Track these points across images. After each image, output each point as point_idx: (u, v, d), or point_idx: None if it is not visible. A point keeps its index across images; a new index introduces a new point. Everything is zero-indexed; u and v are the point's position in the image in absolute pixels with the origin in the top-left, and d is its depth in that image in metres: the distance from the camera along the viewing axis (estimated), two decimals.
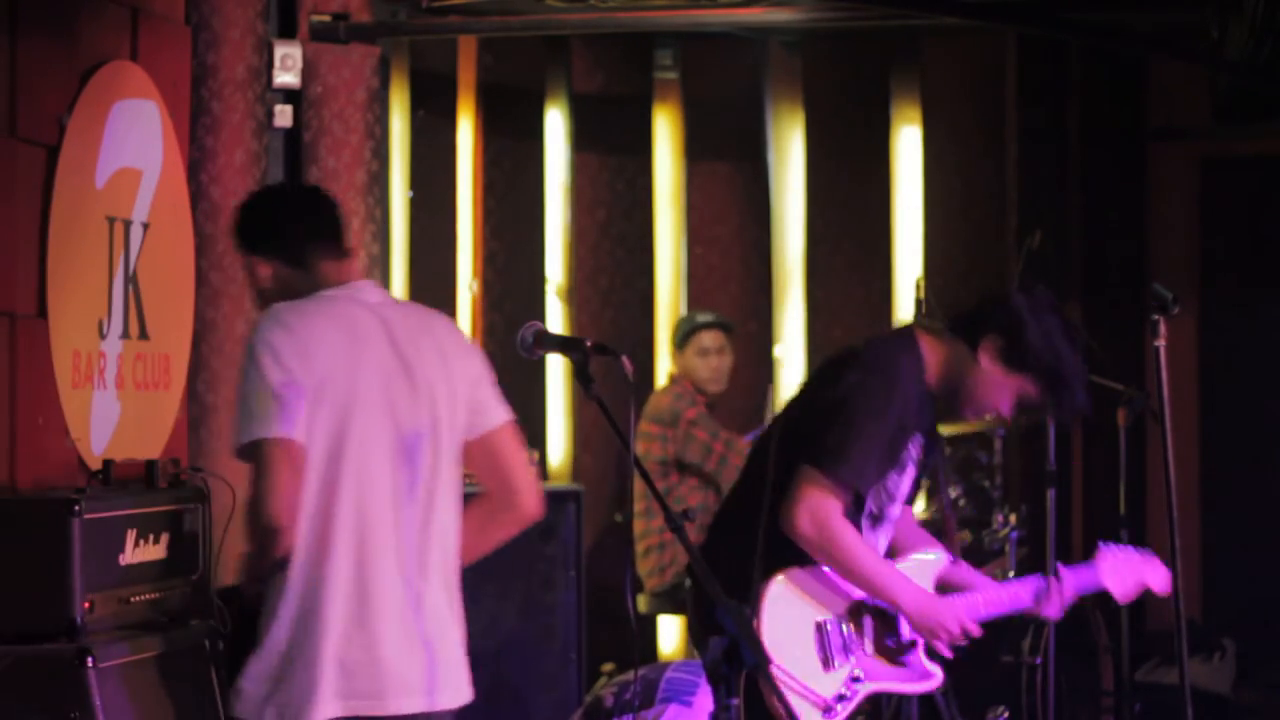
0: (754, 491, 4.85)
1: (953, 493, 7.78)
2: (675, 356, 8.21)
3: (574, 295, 8.60)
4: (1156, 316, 4.39)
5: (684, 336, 8.16)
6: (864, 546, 4.88)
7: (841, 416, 4.81)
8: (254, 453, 4.09)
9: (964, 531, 7.68)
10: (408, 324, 4.32)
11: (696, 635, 5.24)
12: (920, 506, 8.33)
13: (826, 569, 4.91)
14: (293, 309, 4.21)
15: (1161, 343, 4.41)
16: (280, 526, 4.07)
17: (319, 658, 4.11)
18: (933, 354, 4.96)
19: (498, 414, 4.39)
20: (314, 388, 4.11)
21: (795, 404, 5.13)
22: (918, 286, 7.71)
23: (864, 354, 4.94)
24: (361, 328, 4.24)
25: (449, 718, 4.32)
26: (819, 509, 4.77)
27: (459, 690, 4.36)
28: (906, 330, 5.07)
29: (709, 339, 8.13)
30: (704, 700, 5.98)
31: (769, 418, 8.50)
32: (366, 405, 4.17)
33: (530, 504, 4.44)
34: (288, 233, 4.35)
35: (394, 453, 4.20)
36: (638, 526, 8.00)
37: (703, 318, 8.23)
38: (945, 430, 8.18)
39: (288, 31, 7.11)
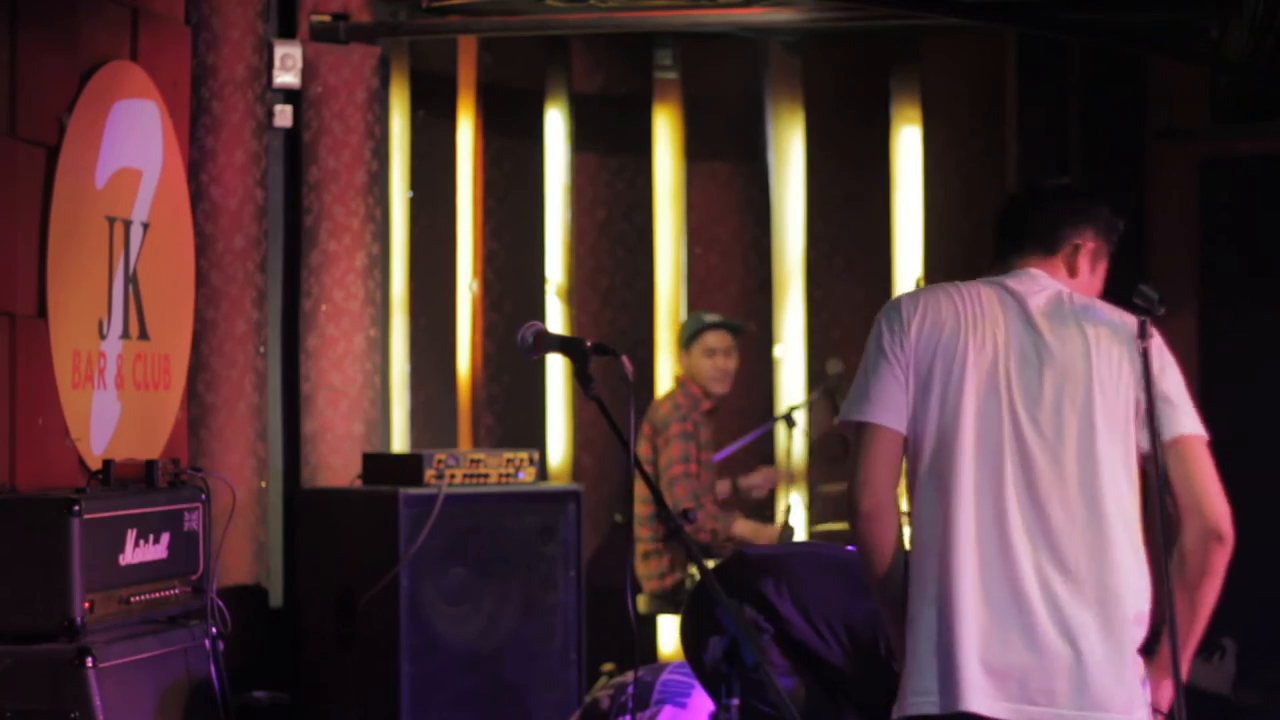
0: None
1: None
2: (680, 356, 8.18)
3: (574, 295, 8.60)
4: (1144, 318, 4.37)
5: (690, 336, 8.12)
6: None
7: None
8: (855, 433, 4.01)
9: None
10: (1057, 311, 4.22)
11: (693, 635, 5.23)
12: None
13: None
14: (923, 290, 4.18)
15: (1150, 343, 4.39)
16: (863, 510, 3.98)
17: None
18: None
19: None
20: (923, 369, 4.03)
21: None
22: (918, 286, 7.71)
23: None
24: (988, 308, 4.15)
25: None
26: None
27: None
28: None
29: (716, 339, 8.09)
30: (699, 701, 5.98)
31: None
32: (980, 386, 4.03)
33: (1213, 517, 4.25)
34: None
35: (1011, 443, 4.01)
36: (638, 529, 8.00)
37: (710, 318, 8.18)
38: None
39: (288, 31, 7.11)
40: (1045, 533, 3.93)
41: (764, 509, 8.50)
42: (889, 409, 4.00)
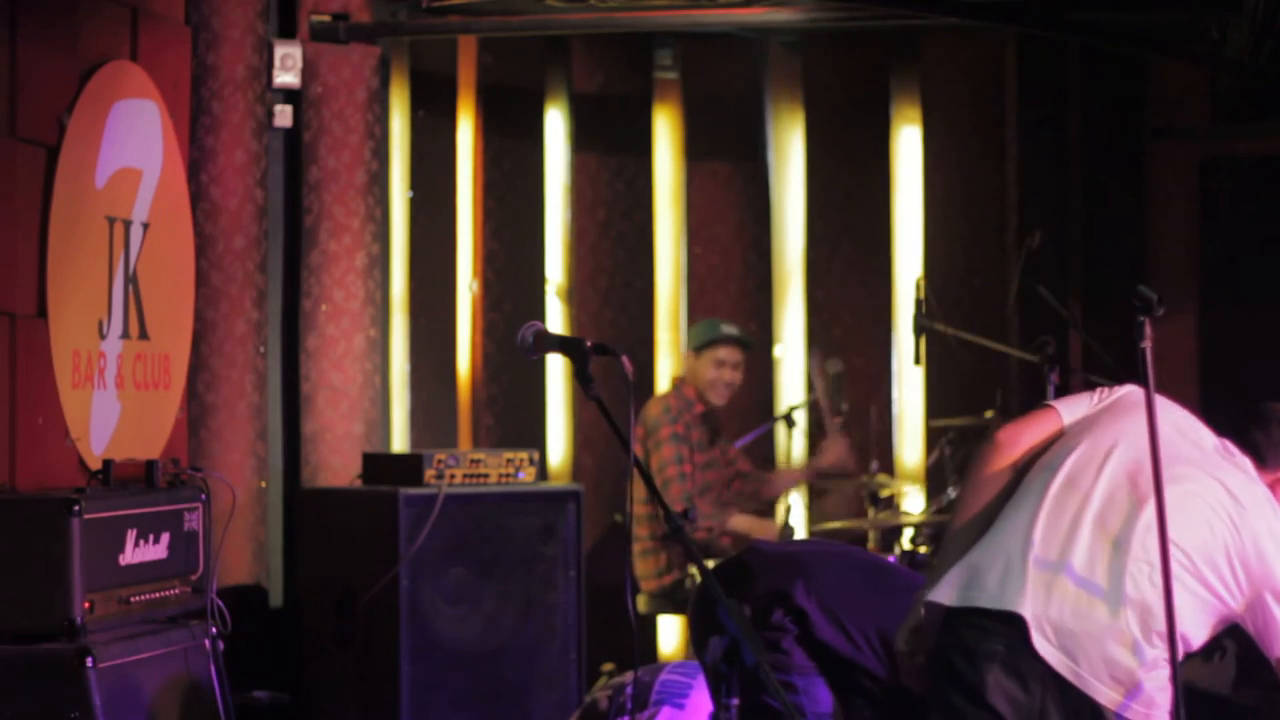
0: None
1: (953, 493, 7.78)
2: (686, 357, 8.11)
3: (574, 295, 8.60)
4: (1142, 318, 4.38)
5: (705, 343, 8.02)
6: None
7: None
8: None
9: None
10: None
11: (698, 635, 5.23)
12: (921, 506, 8.33)
13: None
14: None
15: (1147, 344, 4.39)
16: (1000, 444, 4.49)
17: None
18: None
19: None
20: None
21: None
22: (918, 286, 7.70)
23: None
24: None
25: None
26: None
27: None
28: None
29: (728, 353, 8.01)
30: (697, 702, 5.98)
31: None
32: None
33: None
34: None
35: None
36: (635, 529, 7.99)
37: (728, 329, 8.07)
38: (945, 429, 8.20)
39: (288, 31, 7.11)
40: None
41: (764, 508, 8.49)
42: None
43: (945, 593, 4.31)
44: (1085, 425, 4.49)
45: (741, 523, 7.98)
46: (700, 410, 7.97)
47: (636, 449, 7.87)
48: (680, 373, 8.18)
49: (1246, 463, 4.51)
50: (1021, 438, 4.52)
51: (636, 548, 7.94)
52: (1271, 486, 4.52)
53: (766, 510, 8.27)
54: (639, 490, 7.58)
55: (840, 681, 5.10)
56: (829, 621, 5.04)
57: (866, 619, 5.04)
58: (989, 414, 7.72)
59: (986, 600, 4.25)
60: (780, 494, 8.21)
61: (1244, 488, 4.38)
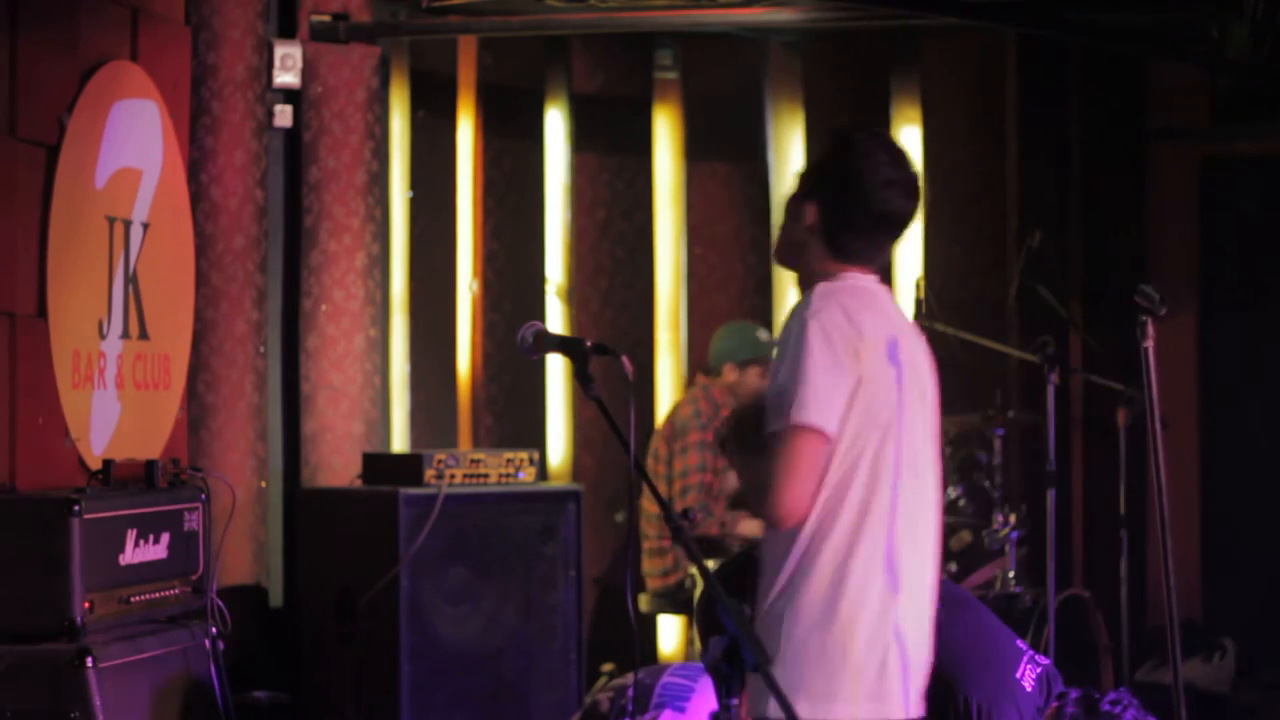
0: None
1: (953, 493, 7.78)
2: (728, 369, 7.96)
3: (574, 295, 8.60)
4: (1145, 317, 4.38)
5: (751, 357, 7.92)
6: None
7: None
8: (786, 438, 3.88)
9: (964, 531, 7.68)
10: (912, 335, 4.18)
11: (703, 637, 5.24)
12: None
13: None
14: (850, 294, 4.06)
15: (1150, 344, 4.39)
16: (783, 517, 3.90)
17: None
18: None
19: None
20: (854, 387, 3.94)
21: None
22: (918, 286, 7.70)
23: None
24: (900, 332, 4.10)
25: None
26: None
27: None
28: None
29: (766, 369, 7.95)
30: (698, 704, 5.98)
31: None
32: (899, 418, 4.02)
33: None
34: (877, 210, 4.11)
35: (907, 466, 4.04)
36: (644, 527, 7.99)
37: (765, 338, 7.92)
38: (945, 429, 8.19)
39: (288, 31, 7.11)
40: None
41: None
42: None
43: None
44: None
45: (750, 526, 7.98)
46: (727, 415, 7.93)
47: (662, 446, 7.91)
48: (713, 378, 8.02)
49: None
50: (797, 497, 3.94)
51: (645, 545, 7.94)
52: None
53: None
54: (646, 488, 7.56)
55: None
56: None
57: None
58: (991, 413, 7.72)
59: None
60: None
61: None
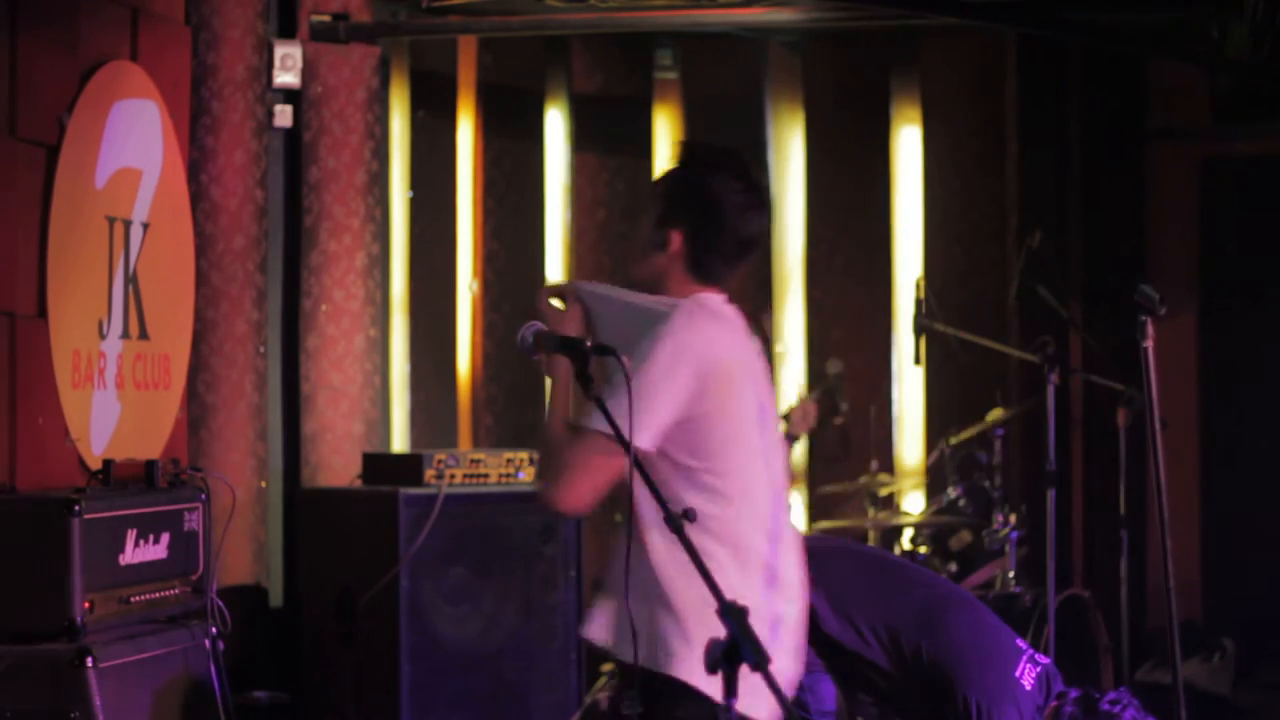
0: None
1: (953, 493, 7.79)
2: None
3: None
4: (1144, 317, 4.38)
5: None
6: None
7: None
8: (589, 438, 3.95)
9: (964, 531, 7.68)
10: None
11: None
12: (921, 506, 8.33)
13: None
14: (711, 315, 4.10)
15: (1149, 343, 4.39)
16: (559, 506, 4.03)
17: None
18: None
19: None
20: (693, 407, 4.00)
21: None
22: (918, 286, 7.70)
23: None
24: (749, 353, 4.15)
25: None
26: None
27: None
28: None
29: None
30: None
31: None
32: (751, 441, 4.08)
33: None
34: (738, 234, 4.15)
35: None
36: None
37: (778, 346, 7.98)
38: (945, 428, 8.19)
39: (288, 31, 7.11)
40: None
41: None
42: None
43: None
44: None
45: None
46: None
47: None
48: None
49: None
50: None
51: None
52: None
53: None
54: None
55: (847, 676, 5.11)
56: (837, 616, 5.05)
57: (874, 613, 5.05)
58: (994, 413, 7.72)
59: None
60: None
61: None
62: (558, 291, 4.25)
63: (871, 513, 7.85)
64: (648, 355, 3.97)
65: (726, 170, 4.14)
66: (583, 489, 4.00)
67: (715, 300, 4.16)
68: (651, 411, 3.93)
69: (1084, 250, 8.63)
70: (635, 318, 4.09)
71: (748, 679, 3.51)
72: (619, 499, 4.10)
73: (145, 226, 5.98)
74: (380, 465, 6.87)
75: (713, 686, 3.73)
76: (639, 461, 3.85)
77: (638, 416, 3.87)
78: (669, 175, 4.20)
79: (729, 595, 3.47)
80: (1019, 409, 7.91)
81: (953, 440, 7.84)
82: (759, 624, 3.58)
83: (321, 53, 7.13)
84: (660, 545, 4.00)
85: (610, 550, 4.15)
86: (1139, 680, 7.55)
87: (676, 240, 4.12)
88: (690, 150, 4.24)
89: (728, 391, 4.03)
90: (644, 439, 3.93)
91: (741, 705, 3.63)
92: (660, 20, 7.79)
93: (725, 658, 3.47)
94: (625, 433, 3.85)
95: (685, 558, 3.68)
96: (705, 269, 4.13)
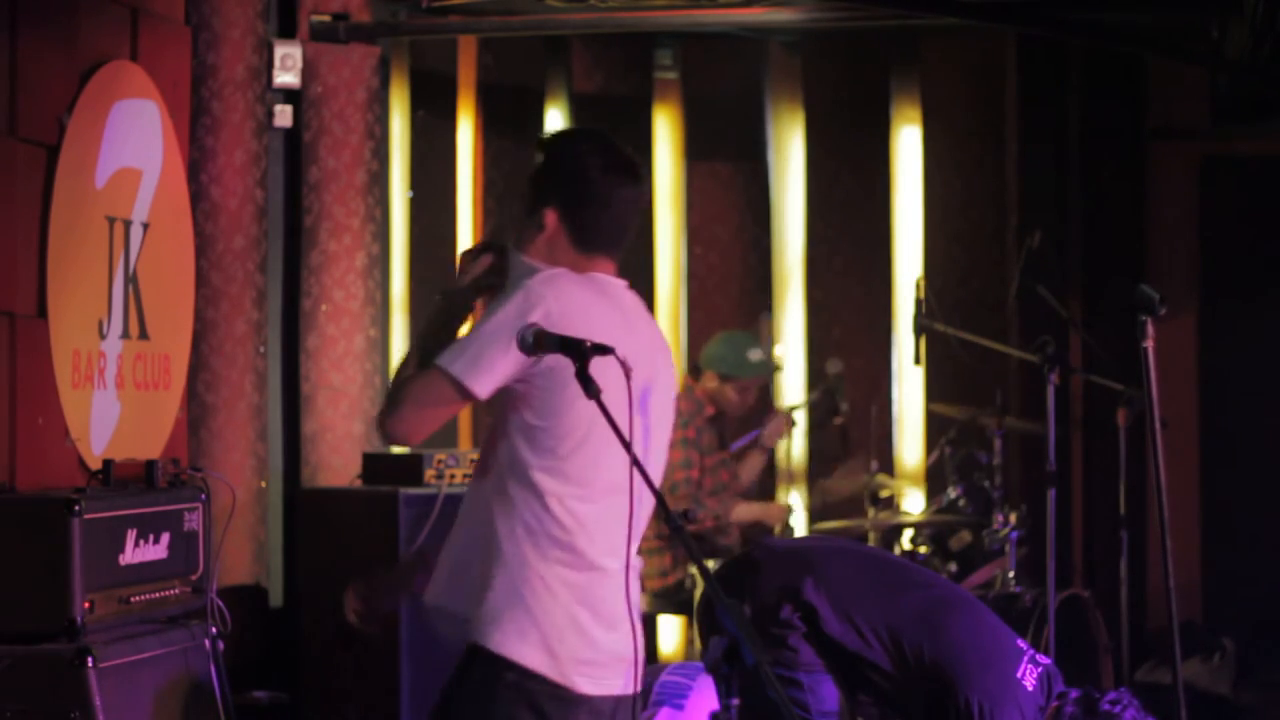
0: None
1: (953, 493, 7.79)
2: (710, 374, 7.88)
3: None
4: (1144, 317, 4.38)
5: (732, 374, 7.83)
6: None
7: None
8: (433, 376, 4.08)
9: (964, 531, 7.68)
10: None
11: (704, 637, 5.25)
12: (921, 506, 8.33)
13: None
14: (580, 282, 4.15)
15: (1150, 344, 4.39)
16: (390, 434, 4.17)
17: None
18: None
19: None
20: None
21: None
22: (918, 286, 7.70)
23: None
24: (626, 331, 4.15)
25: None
26: None
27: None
28: None
29: (753, 381, 7.91)
30: (696, 703, 5.98)
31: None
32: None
33: None
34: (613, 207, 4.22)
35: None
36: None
37: (755, 358, 7.80)
38: (946, 429, 8.20)
39: (288, 31, 7.10)
40: None
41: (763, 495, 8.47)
42: None
43: None
44: None
45: (748, 510, 7.96)
46: (711, 413, 7.91)
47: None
48: (696, 381, 8.02)
49: None
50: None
51: (642, 545, 7.92)
52: None
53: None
54: None
55: (848, 677, 5.11)
56: (838, 617, 5.05)
57: (876, 614, 5.05)
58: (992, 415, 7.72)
59: None
60: (749, 483, 8.16)
61: None
62: (484, 246, 4.45)
63: (871, 513, 7.85)
64: (496, 306, 4.10)
65: (587, 144, 4.24)
66: (412, 422, 4.14)
67: (598, 274, 4.20)
68: (488, 359, 4.03)
69: (1084, 250, 8.63)
70: (522, 277, 4.19)
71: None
72: None
73: (145, 226, 5.98)
74: (380, 465, 6.86)
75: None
76: (637, 461, 3.85)
77: (476, 362, 4.02)
78: (537, 164, 4.28)
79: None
80: (1016, 414, 7.92)
81: (949, 413, 7.84)
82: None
83: (321, 53, 7.13)
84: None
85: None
86: (1139, 680, 7.55)
87: (551, 218, 4.23)
88: (553, 135, 4.40)
89: None
90: (481, 386, 4.02)
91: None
92: (660, 20, 7.79)
93: (725, 658, 3.47)
94: (625, 433, 3.85)
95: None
96: (586, 241, 4.20)
